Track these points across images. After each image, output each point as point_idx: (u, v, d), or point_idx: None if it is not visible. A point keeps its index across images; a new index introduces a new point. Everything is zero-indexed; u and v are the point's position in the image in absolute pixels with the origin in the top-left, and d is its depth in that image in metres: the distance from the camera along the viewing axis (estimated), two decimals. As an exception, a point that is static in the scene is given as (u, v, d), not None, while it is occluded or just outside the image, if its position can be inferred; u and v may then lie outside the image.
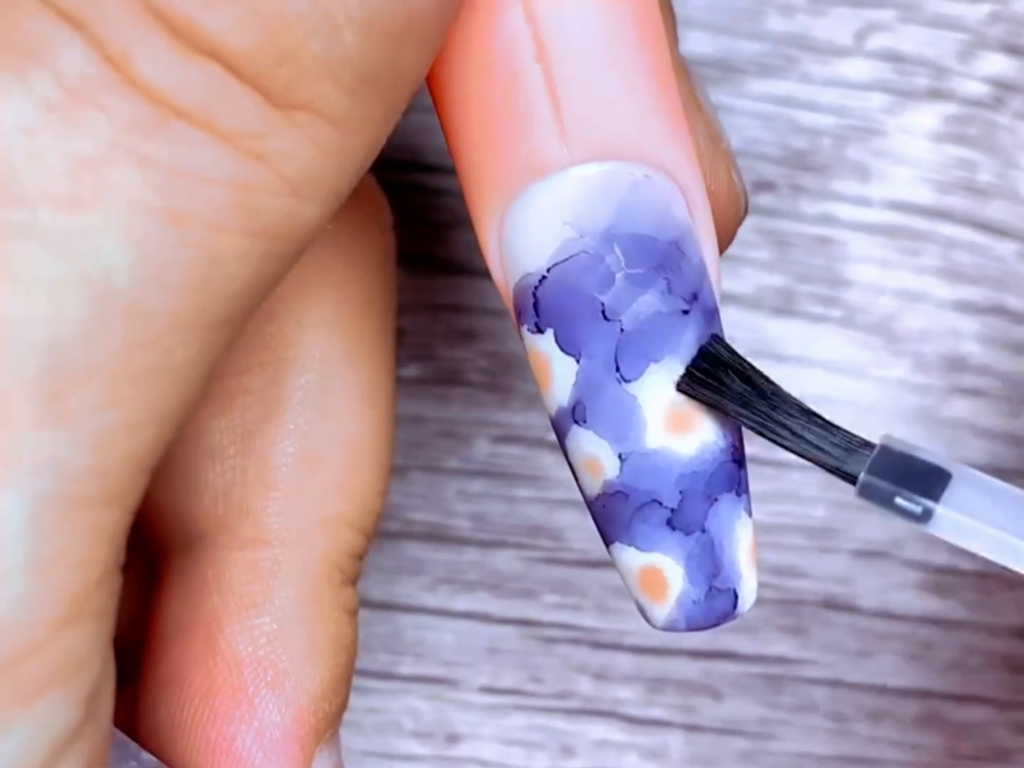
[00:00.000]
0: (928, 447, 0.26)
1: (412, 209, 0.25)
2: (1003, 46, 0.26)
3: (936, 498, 0.16)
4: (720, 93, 0.26)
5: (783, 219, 0.26)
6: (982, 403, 0.26)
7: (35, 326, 0.13)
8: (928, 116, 0.26)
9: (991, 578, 0.26)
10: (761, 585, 0.26)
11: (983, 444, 0.26)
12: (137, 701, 0.19)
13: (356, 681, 0.25)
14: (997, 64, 0.26)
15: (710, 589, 0.17)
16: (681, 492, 0.16)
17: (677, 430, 0.16)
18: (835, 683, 0.26)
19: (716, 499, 0.16)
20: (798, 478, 0.26)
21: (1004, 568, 0.16)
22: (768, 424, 0.16)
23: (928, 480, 0.16)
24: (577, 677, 0.26)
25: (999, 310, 0.26)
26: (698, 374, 0.16)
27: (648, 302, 0.16)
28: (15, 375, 0.12)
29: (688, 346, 0.16)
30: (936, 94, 0.26)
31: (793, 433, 0.16)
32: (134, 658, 0.19)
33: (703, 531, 0.16)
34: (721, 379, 0.16)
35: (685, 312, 0.16)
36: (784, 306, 0.26)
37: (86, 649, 0.13)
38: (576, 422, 0.16)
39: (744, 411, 0.16)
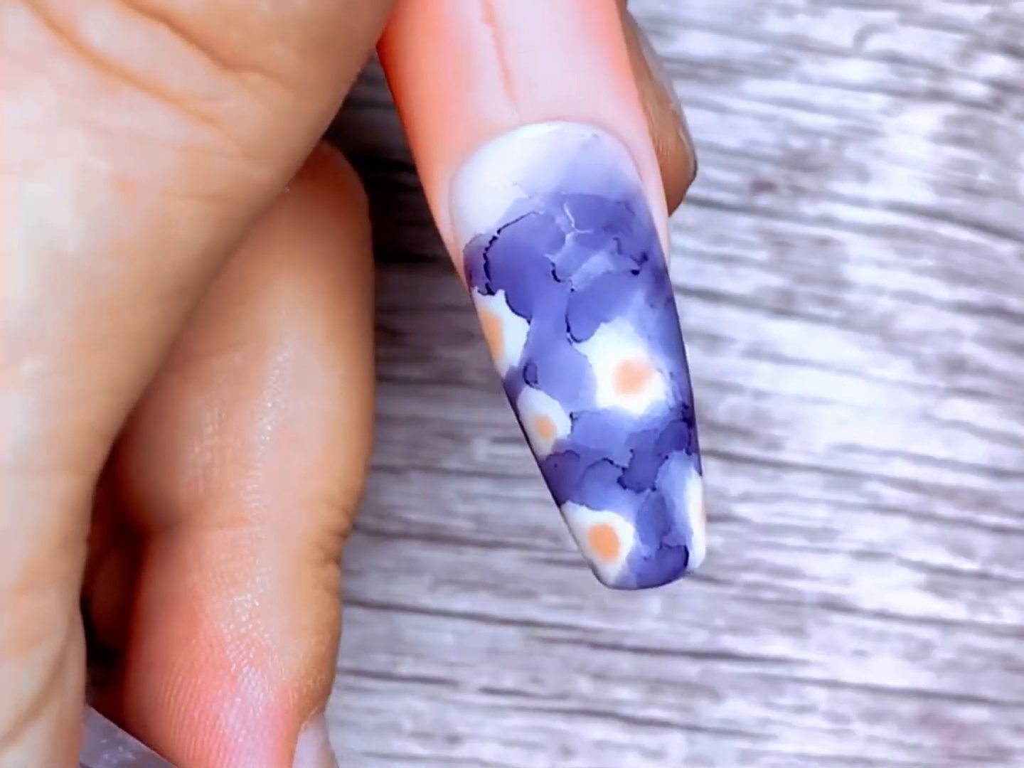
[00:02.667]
0: (928, 448, 0.26)
1: (409, 209, 0.25)
2: (1003, 47, 0.26)
3: None
4: (719, 94, 0.26)
5: (782, 220, 0.26)
6: (982, 403, 0.26)
7: None
8: (927, 117, 0.26)
9: (991, 578, 0.26)
10: (760, 585, 0.26)
11: (983, 444, 0.26)
12: (122, 684, 0.19)
13: (355, 681, 0.25)
14: (996, 65, 0.26)
15: (661, 547, 0.17)
16: (632, 451, 0.16)
17: (627, 389, 0.16)
18: (834, 683, 0.26)
19: (666, 457, 0.16)
20: (797, 478, 0.26)
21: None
22: None
23: None
24: (577, 677, 0.26)
25: (999, 311, 0.26)
26: None
27: (598, 263, 0.16)
28: None
29: (637, 306, 0.16)
30: (935, 95, 0.26)
31: None
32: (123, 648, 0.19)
33: (653, 489, 0.16)
34: None
35: (635, 272, 0.16)
36: (783, 307, 0.26)
37: (47, 617, 0.13)
38: (527, 383, 0.16)
39: None
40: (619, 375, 0.16)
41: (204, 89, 0.13)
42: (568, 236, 0.16)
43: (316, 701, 0.19)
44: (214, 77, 0.13)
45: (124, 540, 0.20)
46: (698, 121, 0.26)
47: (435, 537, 0.26)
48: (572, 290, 0.16)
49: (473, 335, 0.25)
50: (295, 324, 0.19)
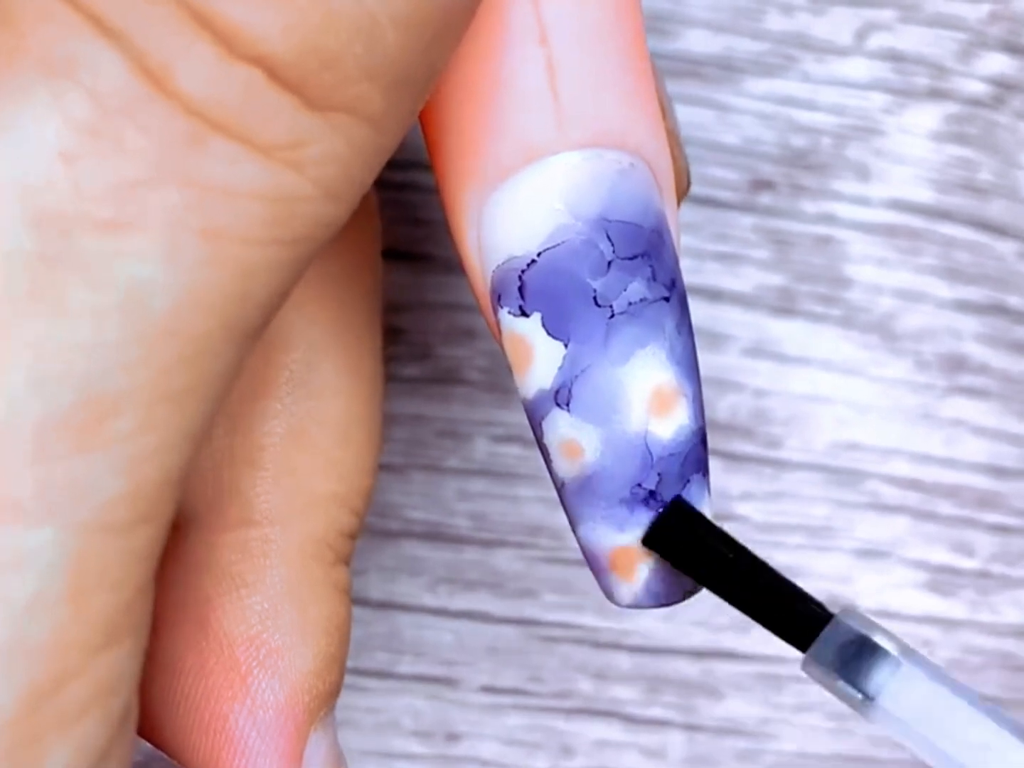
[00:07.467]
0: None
1: (411, 207, 0.25)
2: (1003, 45, 0.26)
3: (875, 691, 0.16)
4: (720, 92, 0.26)
5: (783, 218, 0.26)
6: (982, 403, 0.26)
7: (77, 355, 0.12)
8: (928, 115, 0.26)
9: (991, 578, 0.26)
10: (761, 584, 0.26)
11: (983, 444, 0.26)
12: None
13: (356, 680, 0.25)
14: (997, 63, 0.26)
15: None
16: (659, 474, 0.16)
17: (658, 414, 0.16)
18: (835, 682, 0.26)
19: (688, 480, 0.17)
20: (798, 477, 0.26)
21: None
22: (732, 587, 0.16)
23: (873, 666, 0.16)
24: (577, 676, 0.26)
25: (999, 309, 0.26)
26: (666, 530, 0.16)
27: (636, 289, 0.16)
28: (53, 405, 0.12)
29: (669, 333, 0.16)
30: (936, 93, 0.26)
31: (752, 596, 0.16)
32: None
33: None
34: (691, 538, 0.16)
35: (666, 299, 0.16)
36: (784, 305, 0.26)
37: (124, 668, 0.13)
38: (558, 405, 0.16)
39: (713, 576, 0.16)
40: (652, 400, 0.16)
41: (291, 134, 0.13)
42: (611, 262, 0.16)
43: (326, 702, 0.19)
44: (301, 120, 0.13)
45: None
46: (699, 119, 0.26)
47: (435, 536, 0.26)
48: (611, 316, 0.16)
49: (472, 333, 0.25)
50: (304, 324, 0.19)
